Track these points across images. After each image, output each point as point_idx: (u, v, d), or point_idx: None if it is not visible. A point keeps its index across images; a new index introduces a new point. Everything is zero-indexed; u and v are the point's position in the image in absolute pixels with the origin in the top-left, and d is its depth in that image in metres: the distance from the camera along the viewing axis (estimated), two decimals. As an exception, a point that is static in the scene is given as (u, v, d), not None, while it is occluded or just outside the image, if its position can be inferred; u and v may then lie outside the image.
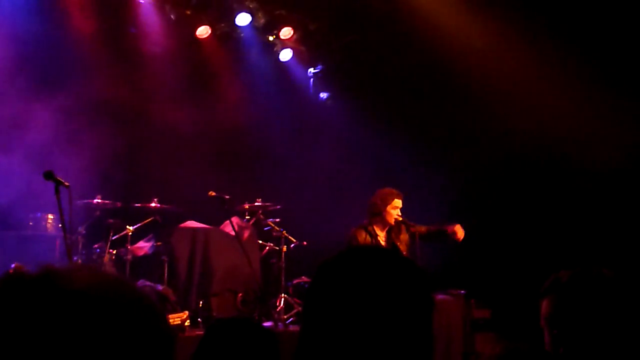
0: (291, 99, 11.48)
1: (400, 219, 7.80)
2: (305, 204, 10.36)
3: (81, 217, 8.56)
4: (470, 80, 9.91)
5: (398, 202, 7.76)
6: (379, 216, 7.82)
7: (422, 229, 7.90)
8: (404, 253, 7.74)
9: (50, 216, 8.63)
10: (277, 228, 9.46)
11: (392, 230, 7.94)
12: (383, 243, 7.82)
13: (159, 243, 8.80)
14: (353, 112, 10.99)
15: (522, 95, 9.54)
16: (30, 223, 8.59)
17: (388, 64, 10.87)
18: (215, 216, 9.17)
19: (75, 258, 8.05)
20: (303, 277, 9.49)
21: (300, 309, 9.15)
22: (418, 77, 10.71)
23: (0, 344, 0.94)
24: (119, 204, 8.77)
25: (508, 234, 10.05)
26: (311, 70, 11.74)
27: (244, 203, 9.51)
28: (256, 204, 9.56)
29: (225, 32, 10.97)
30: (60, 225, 8.51)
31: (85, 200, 8.57)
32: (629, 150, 9.02)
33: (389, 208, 7.76)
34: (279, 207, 9.72)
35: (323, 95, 11.73)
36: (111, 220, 8.62)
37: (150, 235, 8.96)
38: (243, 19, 10.61)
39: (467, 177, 10.49)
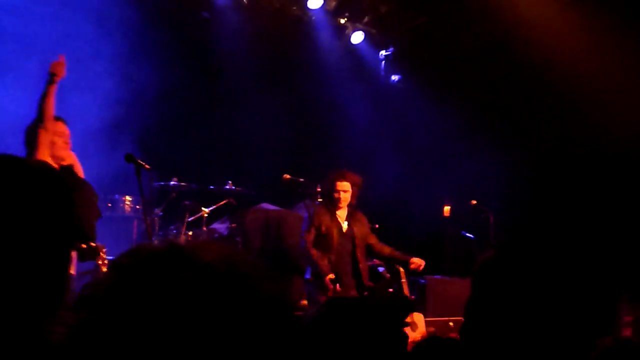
0: (363, 82, 11.46)
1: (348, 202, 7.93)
2: (378, 186, 10.36)
3: (158, 199, 8.72)
4: (544, 62, 9.76)
5: (340, 185, 7.83)
6: (327, 198, 7.99)
7: (386, 250, 8.21)
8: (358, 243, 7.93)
9: (128, 198, 8.80)
10: (350, 210, 9.45)
11: (352, 218, 8.03)
12: (344, 227, 7.91)
13: (233, 225, 8.90)
14: (424, 94, 10.92)
15: (598, 83, 9.34)
16: (109, 204, 8.77)
17: (460, 46, 10.76)
18: (289, 199, 9.25)
19: (153, 239, 8.20)
20: (374, 260, 9.51)
21: (369, 291, 9.18)
22: (490, 58, 10.58)
23: (138, 317, 0.98)
24: (194, 186, 8.89)
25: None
26: (382, 52, 11.71)
27: (317, 185, 9.52)
28: (329, 186, 9.56)
29: (297, 15, 11.01)
30: (137, 206, 8.73)
31: (162, 182, 8.72)
32: None
33: (332, 192, 7.86)
34: (351, 189, 9.72)
35: (394, 77, 11.68)
36: (187, 202, 8.74)
37: (225, 217, 9.08)
38: (315, 2, 10.60)
39: (531, 169, 10.30)
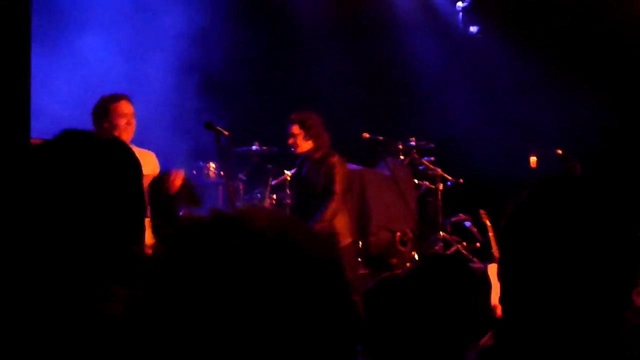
0: (440, 34, 11.28)
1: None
2: (459, 141, 10.23)
3: (241, 164, 8.83)
4: (629, 8, 9.43)
5: (290, 128, 7.06)
6: None
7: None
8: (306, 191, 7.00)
9: (212, 164, 8.91)
10: (432, 167, 9.41)
11: (312, 162, 7.04)
12: (295, 176, 7.23)
13: (316, 186, 8.94)
14: (504, 44, 10.68)
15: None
16: (194, 172, 8.90)
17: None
18: (370, 157, 9.24)
19: (237, 204, 8.31)
20: (460, 214, 9.44)
21: (458, 246, 9.14)
22: (572, 4, 10.26)
23: (190, 288, 0.98)
24: (275, 150, 8.95)
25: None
26: (459, 4, 11.47)
27: (398, 143, 9.49)
28: (410, 143, 9.53)
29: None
30: (221, 172, 8.85)
31: (244, 148, 8.81)
32: None
33: None
34: (432, 145, 9.66)
35: (473, 29, 11.44)
36: (270, 166, 8.82)
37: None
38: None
39: (617, 116, 9.99)
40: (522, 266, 1.52)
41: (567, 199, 1.53)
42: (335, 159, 6.90)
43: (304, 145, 6.99)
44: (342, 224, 6.88)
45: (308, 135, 6.98)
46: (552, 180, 1.60)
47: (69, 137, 1.71)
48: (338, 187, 6.79)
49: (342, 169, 6.92)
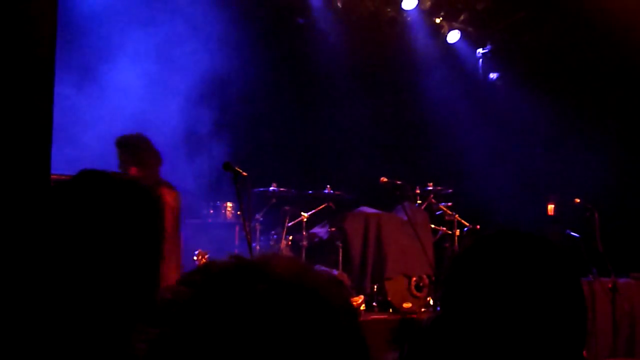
0: (460, 80, 11.33)
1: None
2: (477, 187, 10.21)
3: (258, 205, 8.83)
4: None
5: (117, 153, 6.04)
6: None
7: None
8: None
9: (229, 204, 8.93)
10: (450, 212, 9.39)
11: None
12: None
13: (333, 229, 8.94)
14: (524, 91, 10.71)
15: None
16: (211, 211, 8.92)
17: (558, 41, 10.50)
18: (388, 201, 9.22)
19: (254, 244, 8.30)
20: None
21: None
22: (590, 53, 10.28)
23: (213, 331, 0.98)
24: (293, 191, 8.96)
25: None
26: (480, 50, 11.54)
27: (416, 188, 9.50)
28: (428, 188, 9.52)
29: (392, 16, 10.97)
30: (238, 212, 8.86)
31: (262, 189, 8.83)
32: None
33: None
34: (450, 191, 9.64)
35: (493, 75, 11.49)
36: (287, 208, 8.83)
37: (325, 222, 9.13)
38: (409, 3, 10.54)
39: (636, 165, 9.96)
40: (463, 329, 1.51)
41: (497, 257, 1.53)
42: (160, 192, 5.59)
43: (131, 172, 5.96)
44: (170, 268, 5.66)
45: (133, 162, 5.99)
46: (484, 239, 1.60)
47: (87, 178, 1.70)
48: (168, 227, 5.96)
49: (168, 203, 5.67)
